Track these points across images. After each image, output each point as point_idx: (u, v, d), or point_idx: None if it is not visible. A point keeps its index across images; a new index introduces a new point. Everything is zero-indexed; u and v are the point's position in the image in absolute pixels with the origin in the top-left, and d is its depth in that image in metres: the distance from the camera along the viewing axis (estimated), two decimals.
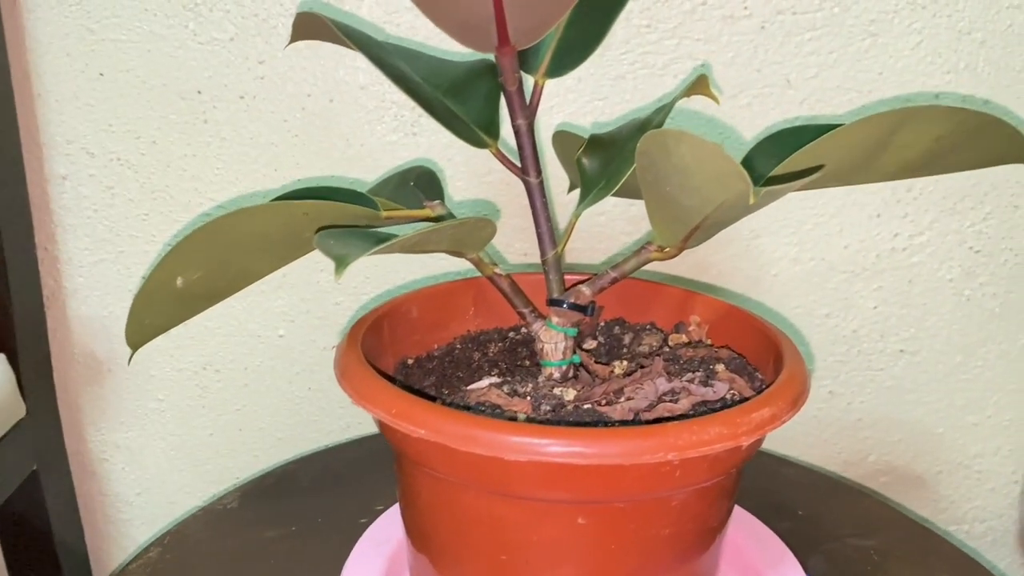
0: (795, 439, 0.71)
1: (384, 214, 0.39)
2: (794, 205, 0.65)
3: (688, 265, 0.66)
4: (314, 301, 0.67)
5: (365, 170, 0.63)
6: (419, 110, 0.62)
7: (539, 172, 0.40)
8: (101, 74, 0.61)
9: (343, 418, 0.70)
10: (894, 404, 0.70)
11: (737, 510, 0.49)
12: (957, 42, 0.61)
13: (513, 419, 0.36)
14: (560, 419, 0.36)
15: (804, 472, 0.61)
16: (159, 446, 0.70)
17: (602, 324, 0.47)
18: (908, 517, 0.56)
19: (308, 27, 0.41)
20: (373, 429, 0.66)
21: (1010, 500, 0.73)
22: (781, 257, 0.66)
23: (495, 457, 0.31)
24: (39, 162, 0.63)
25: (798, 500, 0.56)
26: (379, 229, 0.40)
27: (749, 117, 0.62)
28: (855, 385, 0.70)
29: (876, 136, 0.38)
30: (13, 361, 0.61)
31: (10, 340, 0.61)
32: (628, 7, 0.59)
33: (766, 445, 0.69)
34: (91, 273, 0.66)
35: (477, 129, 0.40)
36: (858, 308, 0.68)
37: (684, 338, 0.44)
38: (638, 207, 0.65)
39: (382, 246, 0.33)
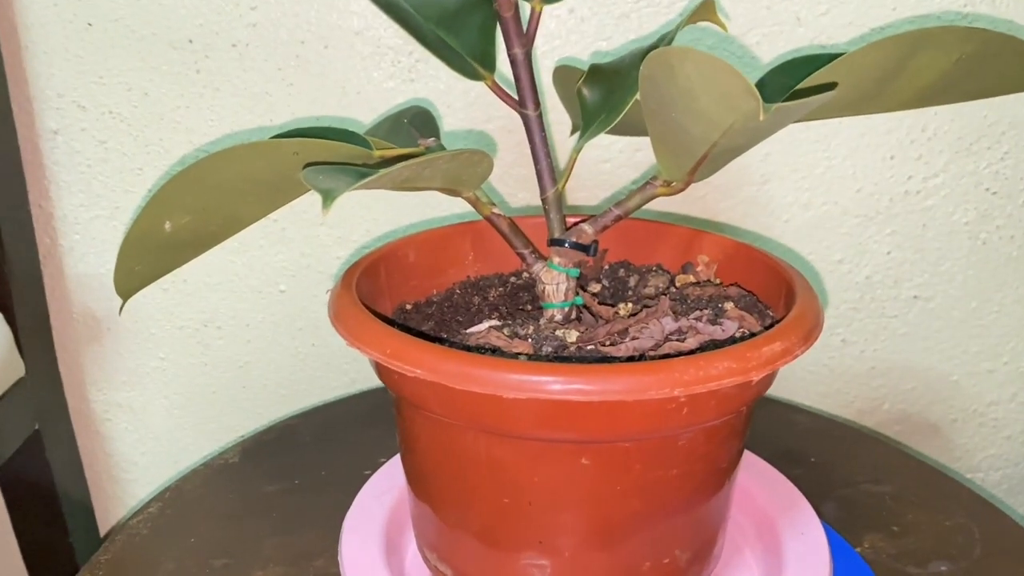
0: (808, 388, 0.69)
1: (376, 152, 0.37)
2: (805, 148, 0.63)
3: (697, 212, 0.64)
4: (315, 256, 0.65)
5: (362, 117, 0.61)
6: (416, 55, 0.60)
7: (537, 104, 0.38)
8: (89, 24, 0.59)
9: (348, 373, 0.69)
10: (908, 352, 0.69)
11: (748, 455, 0.48)
12: None
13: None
14: (562, 359, 0.35)
15: (816, 419, 0.59)
16: (162, 404, 0.69)
17: (607, 267, 0.45)
18: (924, 463, 0.54)
19: None
20: (378, 383, 0.65)
21: None
22: (792, 203, 0.64)
23: (494, 395, 0.30)
24: (29, 117, 0.62)
25: (810, 447, 0.54)
26: (371, 167, 0.39)
27: (759, 55, 0.60)
28: (868, 333, 0.68)
29: (892, 59, 0.35)
30: (10, 320, 0.60)
31: (7, 299, 0.59)
32: None
33: (778, 393, 0.68)
34: (87, 230, 0.65)
35: (472, 60, 0.38)
36: (871, 254, 0.66)
37: (692, 278, 0.42)
38: (644, 153, 0.63)
39: (370, 178, 0.31)
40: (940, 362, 0.69)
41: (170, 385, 0.69)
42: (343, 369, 0.69)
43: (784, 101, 0.29)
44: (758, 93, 0.27)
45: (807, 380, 0.69)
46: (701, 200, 0.64)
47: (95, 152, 0.63)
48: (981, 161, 0.63)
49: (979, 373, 0.69)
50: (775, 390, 0.68)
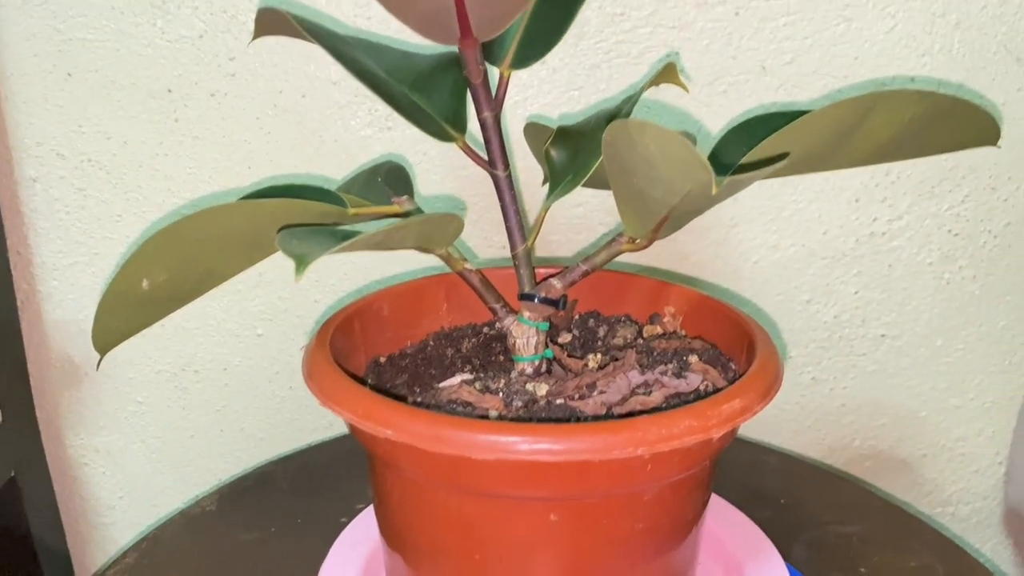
0: (779, 426, 0.71)
1: (352, 211, 0.39)
2: (772, 192, 0.64)
3: (667, 255, 0.66)
4: (292, 300, 0.66)
5: (339, 165, 0.62)
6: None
7: (507, 165, 0.39)
8: (69, 74, 0.60)
9: (325, 416, 0.69)
10: (877, 389, 0.70)
11: (716, 500, 0.49)
12: (931, 25, 0.61)
13: (484, 417, 0.36)
14: (532, 415, 0.36)
15: (786, 459, 0.60)
16: (139, 449, 0.70)
17: (577, 317, 0.46)
18: (890, 502, 0.55)
19: (271, 23, 0.41)
20: None
21: (994, 481, 0.73)
22: (760, 245, 0.66)
23: (463, 456, 0.31)
24: (8, 165, 0.62)
25: (780, 488, 0.55)
26: (347, 227, 0.40)
27: (725, 104, 0.62)
28: (838, 371, 0.69)
29: (846, 121, 0.37)
30: None
31: None
32: None
33: (749, 433, 0.69)
34: (65, 276, 0.65)
35: (443, 123, 0.40)
36: (839, 294, 0.67)
37: (659, 329, 0.44)
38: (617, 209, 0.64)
39: (344, 244, 0.32)
40: (908, 399, 0.71)
41: (148, 429, 0.69)
42: (320, 412, 0.69)
43: (737, 172, 0.30)
44: (710, 167, 0.28)
45: (779, 418, 0.71)
46: (672, 242, 0.66)
47: (74, 199, 0.63)
48: (943, 204, 0.65)
49: (947, 409, 0.71)
50: (747, 430, 0.69)
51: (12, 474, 0.62)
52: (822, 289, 0.67)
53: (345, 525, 0.48)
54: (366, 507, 0.50)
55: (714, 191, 0.28)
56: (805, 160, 0.39)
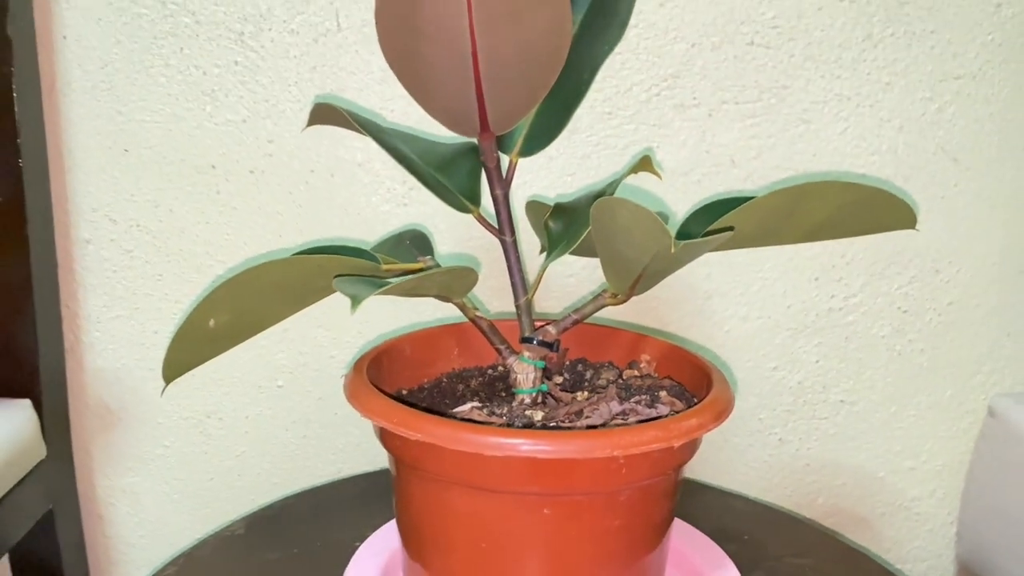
0: (750, 482, 0.80)
1: (384, 266, 0.49)
2: (742, 269, 0.76)
3: (650, 321, 0.76)
4: (312, 355, 0.76)
5: (361, 235, 0.73)
6: (409, 184, 0.73)
7: (513, 232, 0.50)
8: (126, 150, 0.72)
9: (335, 463, 0.78)
10: (838, 450, 0.80)
11: (686, 527, 0.58)
12: (879, 128, 0.73)
13: None
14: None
15: (753, 505, 0.70)
16: (162, 490, 0.78)
17: (567, 363, 0.56)
18: (842, 541, 0.65)
19: (324, 114, 0.52)
20: (362, 470, 0.75)
21: (946, 540, 0.82)
22: (732, 316, 0.77)
23: (477, 454, 0.41)
24: (66, 227, 0.73)
25: (744, 527, 0.65)
26: (382, 279, 0.50)
27: (700, 191, 0.74)
28: (802, 432, 0.79)
29: (785, 205, 0.48)
30: (37, 407, 0.69)
31: (36, 388, 0.69)
32: (592, 97, 0.71)
33: (721, 484, 0.78)
34: (107, 328, 0.75)
35: (462, 197, 0.51)
36: (802, 362, 0.78)
37: (636, 373, 0.54)
38: (600, 271, 0.75)
39: (386, 287, 0.43)
40: (867, 460, 0.80)
41: (171, 471, 0.78)
42: (331, 459, 0.79)
43: (692, 239, 0.41)
44: (671, 233, 0.39)
45: (749, 476, 0.80)
46: (653, 311, 0.76)
47: (121, 260, 0.74)
48: (892, 284, 0.77)
49: (902, 471, 0.81)
50: (719, 483, 0.78)
51: (50, 507, 0.71)
52: (787, 357, 0.78)
53: (358, 548, 0.57)
54: (377, 530, 0.59)
55: (672, 251, 0.39)
56: (755, 235, 0.51)
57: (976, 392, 0.80)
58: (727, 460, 0.80)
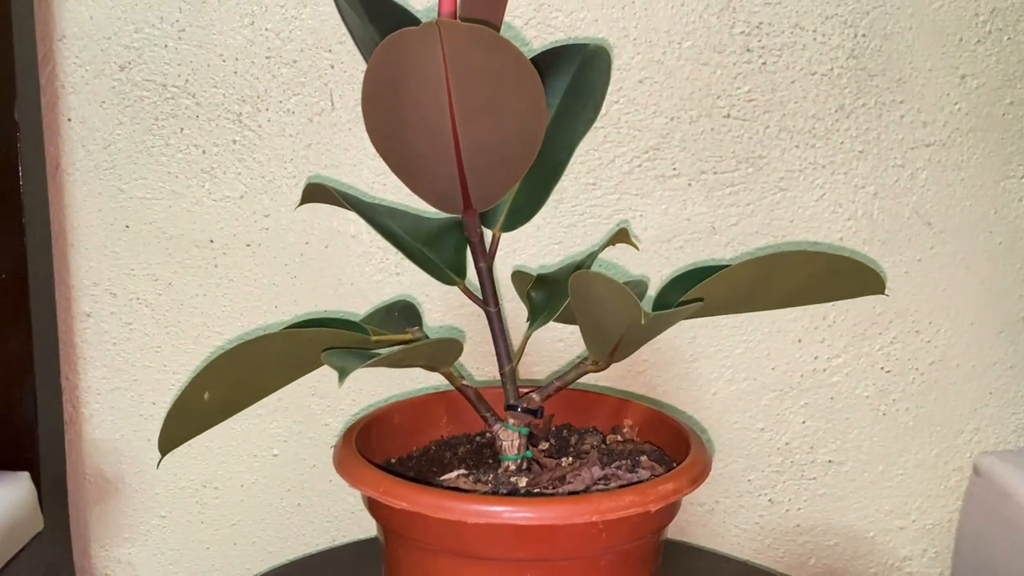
0: (741, 545, 0.81)
1: (374, 338, 0.51)
2: (726, 332, 0.78)
3: (638, 385, 0.78)
4: (306, 423, 0.78)
5: (355, 305, 0.76)
6: (401, 255, 0.75)
7: (497, 303, 0.53)
8: (127, 226, 0.75)
9: (329, 531, 0.80)
10: (828, 511, 0.81)
11: None
12: (854, 194, 0.76)
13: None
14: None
15: (740, 565, 0.71)
16: (158, 560, 0.79)
17: (554, 429, 0.58)
18: None
19: (316, 193, 0.55)
20: (355, 538, 0.76)
21: None
22: (718, 378, 0.78)
23: (460, 521, 0.42)
24: (68, 301, 0.76)
25: None
26: (370, 351, 0.52)
27: (682, 257, 0.76)
28: (792, 493, 0.81)
29: (756, 274, 0.51)
30: (36, 479, 0.71)
31: (34, 460, 0.71)
32: (577, 168, 0.74)
33: (713, 546, 0.79)
34: (106, 400, 0.77)
35: (448, 270, 0.53)
36: (789, 423, 0.79)
37: (619, 438, 0.56)
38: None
39: (373, 360, 0.45)
40: (857, 520, 0.81)
41: (167, 541, 0.79)
42: (325, 527, 0.80)
43: (667, 308, 0.44)
44: (641, 305, 0.41)
45: (740, 538, 0.81)
46: (642, 375, 0.78)
47: (120, 332, 0.76)
48: (875, 345, 0.79)
49: (892, 530, 0.82)
50: (711, 545, 0.79)
51: None
52: (774, 419, 0.79)
53: None
54: None
55: (642, 322, 0.41)
56: (729, 303, 0.53)
57: (961, 450, 0.81)
58: (718, 522, 0.81)
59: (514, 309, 0.74)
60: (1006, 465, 0.76)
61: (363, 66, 0.45)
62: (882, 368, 0.79)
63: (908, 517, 0.82)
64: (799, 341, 0.78)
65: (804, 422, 0.80)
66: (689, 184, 0.75)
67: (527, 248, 0.76)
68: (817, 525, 0.81)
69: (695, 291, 0.47)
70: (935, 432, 0.81)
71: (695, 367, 0.78)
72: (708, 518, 0.81)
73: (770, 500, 0.81)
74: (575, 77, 0.53)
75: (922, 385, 0.80)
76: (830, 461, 0.80)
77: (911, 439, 0.80)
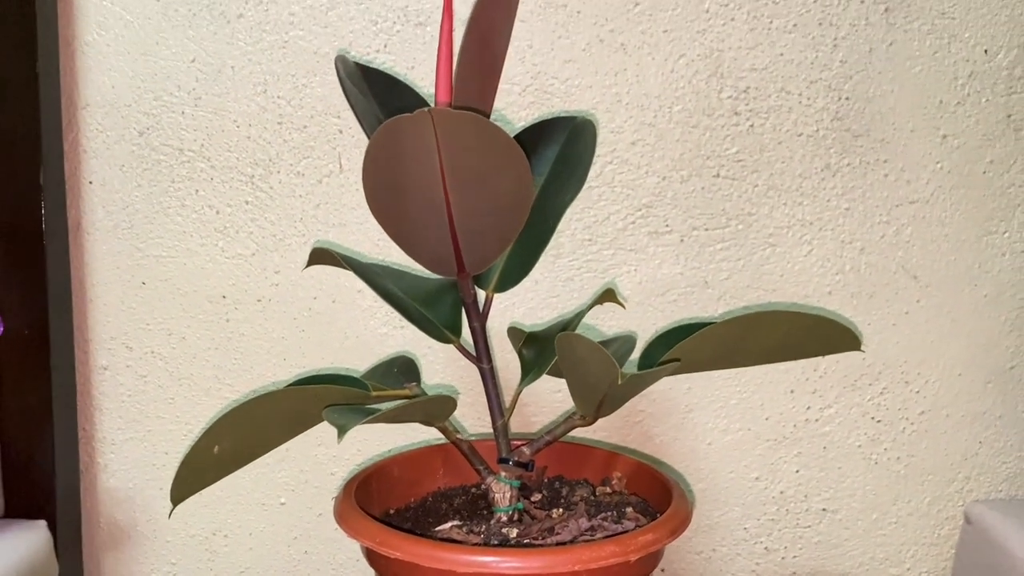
0: None
1: (374, 394, 0.55)
2: (720, 383, 0.80)
3: (635, 436, 0.81)
4: (312, 472, 0.81)
5: (361, 357, 0.79)
6: None
7: (490, 360, 0.56)
8: (143, 283, 0.79)
9: None
10: (823, 558, 0.83)
11: None
12: (841, 250, 0.79)
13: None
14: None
15: None
16: None
17: (546, 481, 0.61)
18: None
19: (321, 257, 0.59)
20: None
21: None
22: (713, 428, 0.81)
23: (451, 571, 0.45)
24: (85, 355, 0.79)
25: None
26: (370, 406, 0.55)
27: (676, 311, 0.79)
28: (787, 541, 0.82)
29: (736, 333, 0.54)
30: (52, 527, 0.74)
31: (51, 509, 0.74)
32: (573, 225, 0.78)
33: None
34: (121, 450, 0.80)
35: (444, 329, 0.56)
36: (782, 472, 0.82)
37: (608, 489, 0.58)
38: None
39: (371, 417, 0.48)
40: (852, 568, 0.83)
41: None
42: (330, 574, 0.82)
43: (649, 367, 0.47)
44: (618, 367, 0.44)
45: None
46: (639, 425, 0.81)
47: (135, 384, 0.80)
48: (865, 395, 0.81)
49: None
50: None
51: None
52: (768, 468, 0.81)
53: None
54: None
55: (620, 382, 0.44)
56: (711, 360, 0.56)
57: (953, 499, 0.83)
58: (716, 570, 0.83)
59: (513, 361, 0.77)
60: (996, 514, 0.78)
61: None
62: (872, 418, 0.81)
63: (903, 565, 0.83)
64: (791, 392, 0.81)
65: (798, 471, 0.82)
66: (681, 240, 0.78)
67: (526, 301, 0.79)
68: (813, 573, 0.83)
69: (674, 351, 0.50)
70: (927, 481, 0.82)
71: (690, 417, 0.81)
72: (705, 566, 0.83)
73: (766, 548, 0.83)
74: (564, 147, 0.56)
75: (913, 434, 0.82)
76: (824, 509, 0.82)
77: (903, 488, 0.82)
